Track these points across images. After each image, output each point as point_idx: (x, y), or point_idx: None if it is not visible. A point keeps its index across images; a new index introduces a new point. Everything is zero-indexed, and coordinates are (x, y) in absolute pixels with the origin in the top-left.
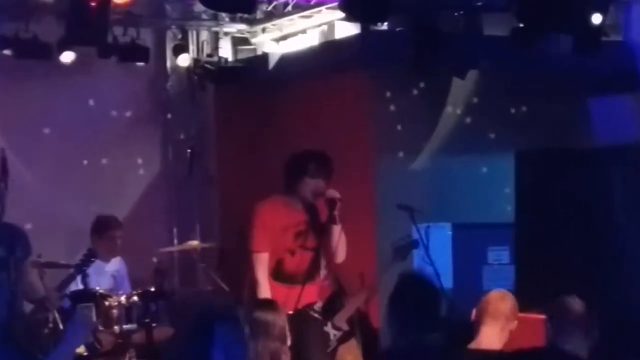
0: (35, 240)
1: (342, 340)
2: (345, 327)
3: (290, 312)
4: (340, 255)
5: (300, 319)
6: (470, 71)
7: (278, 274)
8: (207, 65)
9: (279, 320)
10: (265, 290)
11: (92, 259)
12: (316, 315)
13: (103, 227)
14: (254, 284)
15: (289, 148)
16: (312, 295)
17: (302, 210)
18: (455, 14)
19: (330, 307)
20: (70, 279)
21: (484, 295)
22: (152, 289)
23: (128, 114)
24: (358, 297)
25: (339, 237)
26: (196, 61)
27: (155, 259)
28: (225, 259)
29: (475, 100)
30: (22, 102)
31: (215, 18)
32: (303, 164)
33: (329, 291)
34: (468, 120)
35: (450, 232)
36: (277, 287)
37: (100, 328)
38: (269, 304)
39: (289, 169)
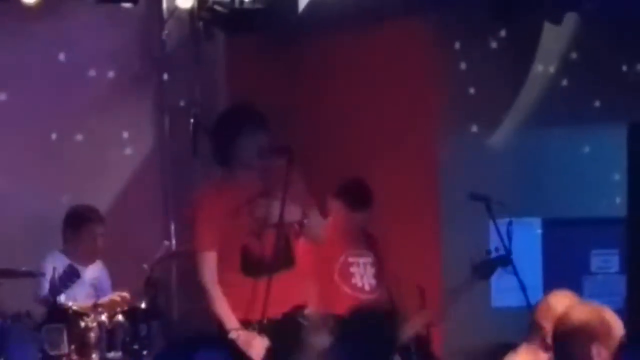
0: None
1: None
2: None
3: (257, 319)
4: (315, 231)
5: (286, 329)
6: (567, 15)
7: (247, 265)
8: (217, 8)
9: None
10: (217, 297)
11: (74, 278)
12: (306, 323)
13: (79, 221)
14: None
15: (323, 116)
16: (294, 288)
17: (252, 181)
18: None
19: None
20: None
21: None
22: (143, 305)
23: (110, 73)
24: (417, 319)
25: (301, 202)
26: (202, 2)
27: (145, 266)
28: None
29: (574, 55)
30: None
31: None
32: (230, 124)
33: (374, 305)
34: (564, 82)
35: (539, 231)
36: (248, 282)
37: (74, 358)
38: None
39: (217, 137)
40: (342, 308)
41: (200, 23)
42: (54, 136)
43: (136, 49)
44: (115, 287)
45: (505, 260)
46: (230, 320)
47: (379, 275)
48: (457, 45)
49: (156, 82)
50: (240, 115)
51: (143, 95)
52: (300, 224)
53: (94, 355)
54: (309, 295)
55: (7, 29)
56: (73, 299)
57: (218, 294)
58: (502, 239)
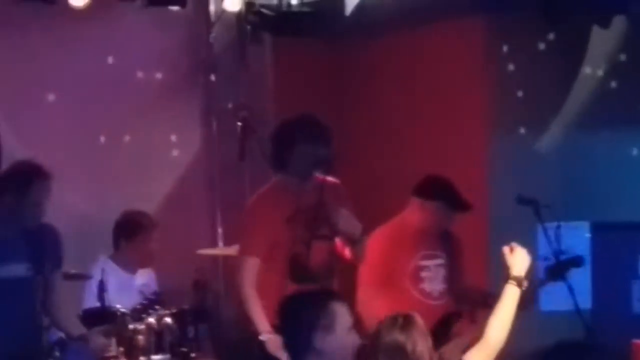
0: None
1: None
2: None
3: None
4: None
5: None
6: (616, 18)
7: (296, 273)
8: (264, 11)
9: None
10: (254, 302)
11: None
12: None
13: (133, 228)
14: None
15: (370, 119)
16: None
17: (307, 190)
18: None
19: (442, 333)
20: None
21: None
22: (190, 308)
23: (158, 75)
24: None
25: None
26: (249, 5)
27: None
28: None
29: (622, 57)
30: (20, 60)
31: None
32: (291, 131)
33: (441, 312)
34: (613, 84)
35: (588, 235)
36: (292, 288)
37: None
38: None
39: (277, 142)
40: None
41: (248, 26)
42: (102, 139)
43: (184, 51)
44: (162, 290)
45: (579, 261)
46: (262, 322)
47: (449, 277)
48: (505, 47)
49: (204, 85)
50: (303, 124)
51: (191, 98)
52: (354, 238)
53: (142, 358)
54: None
55: (56, 32)
56: (119, 303)
57: (253, 296)
58: (550, 243)
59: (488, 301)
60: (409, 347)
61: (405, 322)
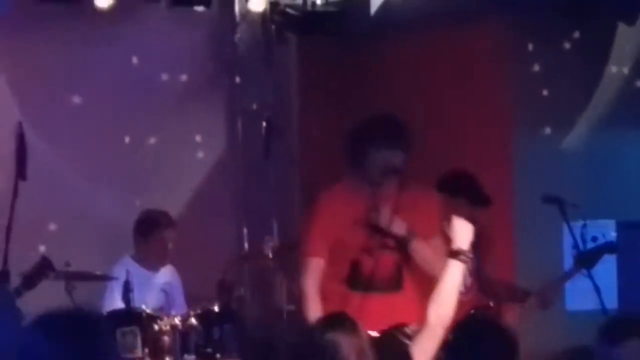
0: (62, 245)
1: None
2: None
3: (375, 333)
4: (421, 261)
5: (383, 345)
6: None
7: (354, 280)
8: (289, 11)
9: (355, 342)
10: (313, 306)
11: (47, 272)
12: (407, 341)
13: (150, 226)
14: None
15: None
16: (401, 310)
17: (376, 195)
18: None
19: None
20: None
21: None
22: (216, 308)
23: (183, 77)
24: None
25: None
26: (274, 5)
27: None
28: None
29: None
30: (45, 61)
31: None
32: (366, 132)
33: (469, 306)
34: (638, 83)
35: (614, 233)
36: (354, 296)
37: None
38: (338, 321)
39: (352, 142)
40: None
41: (273, 26)
42: (127, 139)
43: (209, 52)
44: (186, 289)
45: (612, 248)
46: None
47: (476, 271)
48: (530, 46)
49: (228, 86)
50: (380, 126)
51: (215, 99)
52: (404, 242)
53: (167, 359)
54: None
55: (81, 33)
56: (144, 304)
57: (315, 301)
58: (576, 242)
59: (515, 295)
60: (331, 350)
61: (332, 323)
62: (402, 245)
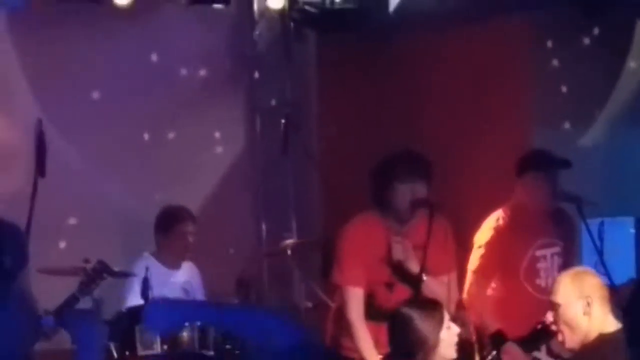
0: (81, 239)
1: None
2: None
3: (381, 356)
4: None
5: None
6: None
7: (366, 310)
8: (307, 8)
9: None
10: (362, 335)
11: (103, 275)
12: None
13: (170, 221)
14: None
15: (415, 117)
16: None
17: (402, 230)
18: None
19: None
20: (72, 302)
21: None
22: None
23: (202, 73)
24: None
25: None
26: (293, 2)
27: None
28: (330, 264)
29: None
30: (64, 58)
31: None
32: (390, 166)
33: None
34: None
35: (633, 230)
36: (369, 325)
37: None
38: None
39: (376, 177)
40: (525, 313)
41: (291, 23)
42: (146, 136)
43: (227, 49)
44: (205, 286)
45: None
46: (372, 357)
47: (564, 267)
48: (550, 43)
49: (247, 82)
50: (403, 161)
51: (234, 95)
52: (416, 279)
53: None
54: None
55: (101, 30)
56: None
57: (364, 331)
58: (593, 240)
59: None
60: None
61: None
62: (414, 283)
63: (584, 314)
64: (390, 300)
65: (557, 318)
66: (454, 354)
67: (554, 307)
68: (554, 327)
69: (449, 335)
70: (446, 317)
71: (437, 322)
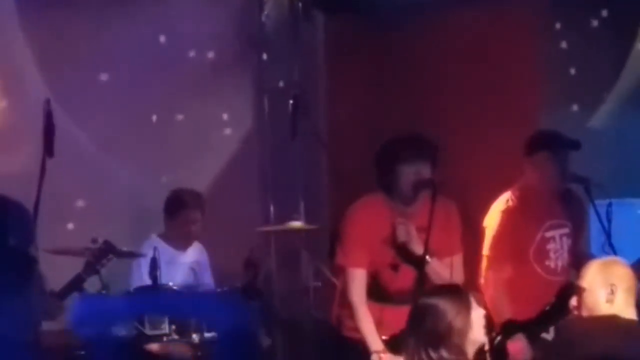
0: (89, 221)
1: None
2: None
3: (385, 337)
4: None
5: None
6: None
7: (371, 291)
8: None
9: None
10: (363, 316)
11: (109, 255)
12: None
13: (176, 206)
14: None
15: (423, 99)
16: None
17: (406, 212)
18: None
19: (559, 307)
20: (77, 282)
21: None
22: (242, 286)
23: (210, 54)
24: None
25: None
26: None
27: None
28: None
29: None
30: (72, 40)
31: None
32: (394, 147)
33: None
34: None
35: None
36: (373, 307)
37: (175, 337)
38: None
39: (379, 161)
40: (534, 294)
41: (300, 4)
42: (154, 117)
43: (235, 30)
44: (213, 267)
45: None
46: (374, 341)
47: (574, 248)
48: (558, 25)
49: (255, 64)
50: (406, 143)
51: (242, 77)
52: (420, 261)
53: (194, 335)
54: None
55: (109, 12)
56: (171, 281)
57: (365, 314)
58: (601, 221)
59: None
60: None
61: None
62: (418, 264)
63: (607, 301)
64: (395, 281)
65: (580, 302)
66: (483, 337)
67: (578, 291)
68: (575, 312)
69: (477, 317)
70: (472, 300)
71: (465, 307)
